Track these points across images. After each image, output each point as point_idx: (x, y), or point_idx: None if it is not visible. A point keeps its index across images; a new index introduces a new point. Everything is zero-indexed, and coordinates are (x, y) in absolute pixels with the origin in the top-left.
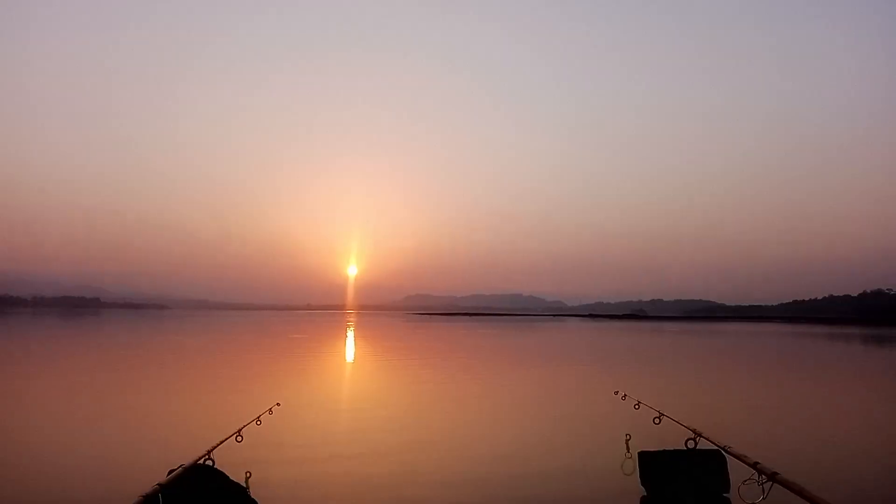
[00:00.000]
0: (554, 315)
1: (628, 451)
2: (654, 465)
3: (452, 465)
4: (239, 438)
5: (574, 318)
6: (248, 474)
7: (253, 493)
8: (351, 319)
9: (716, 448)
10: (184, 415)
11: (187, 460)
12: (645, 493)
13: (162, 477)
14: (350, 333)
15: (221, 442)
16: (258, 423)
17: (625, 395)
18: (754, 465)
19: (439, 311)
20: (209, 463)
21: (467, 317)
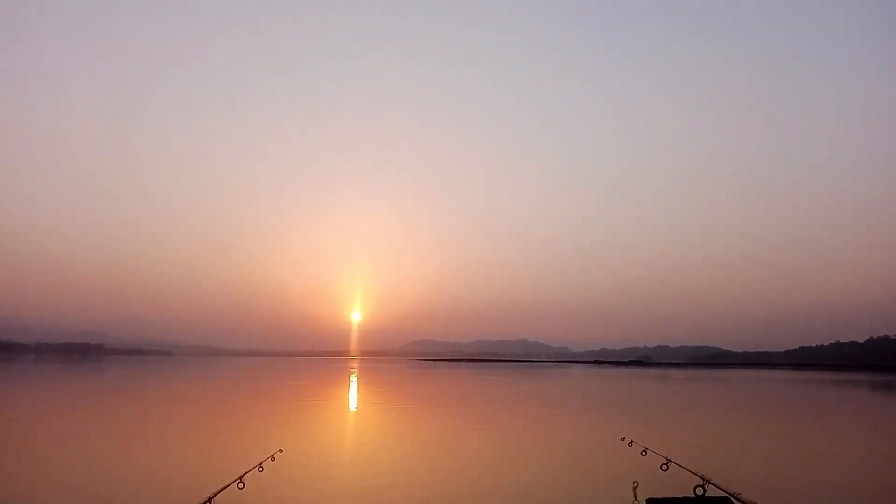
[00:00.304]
0: (559, 361)
1: (636, 499)
2: None
3: None
4: (241, 485)
5: (579, 364)
6: None
7: None
8: (354, 366)
9: (725, 495)
10: (185, 461)
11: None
12: None
13: None
14: (353, 380)
15: (222, 489)
16: (260, 469)
17: (631, 441)
18: None
19: (444, 357)
20: None
21: (472, 363)
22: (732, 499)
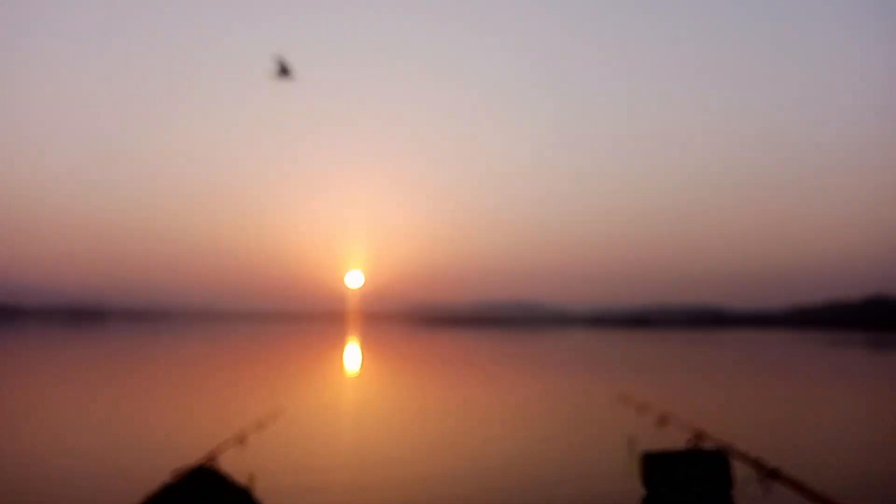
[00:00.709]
0: (559, 322)
1: (631, 453)
2: (656, 466)
3: (457, 471)
4: (242, 442)
5: (578, 324)
6: (251, 477)
7: (256, 496)
8: (354, 327)
9: (718, 447)
10: (188, 420)
11: (190, 462)
12: (646, 494)
13: (166, 478)
14: (353, 341)
15: (224, 444)
16: (261, 427)
17: (628, 397)
18: (755, 462)
19: (444, 319)
20: (212, 465)
21: (472, 324)
22: (725, 451)
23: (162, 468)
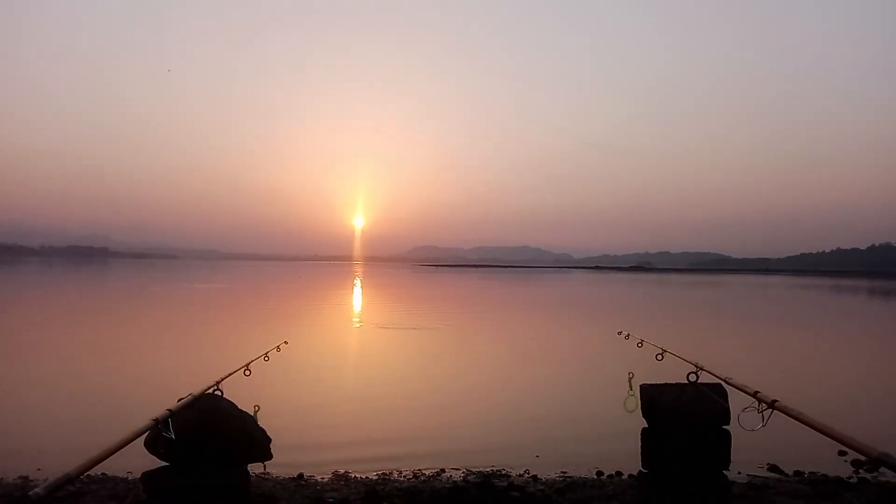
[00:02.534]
0: (560, 267)
1: (631, 388)
2: (655, 398)
3: (458, 405)
4: (247, 372)
5: (580, 270)
6: (256, 408)
7: (262, 425)
8: (358, 270)
9: (717, 381)
10: (193, 351)
11: (197, 390)
12: (647, 426)
13: (172, 404)
14: (357, 282)
15: (230, 374)
16: (266, 359)
17: (628, 334)
18: (754, 395)
19: (446, 263)
20: (218, 393)
21: (474, 268)
22: (724, 383)
23: (168, 394)
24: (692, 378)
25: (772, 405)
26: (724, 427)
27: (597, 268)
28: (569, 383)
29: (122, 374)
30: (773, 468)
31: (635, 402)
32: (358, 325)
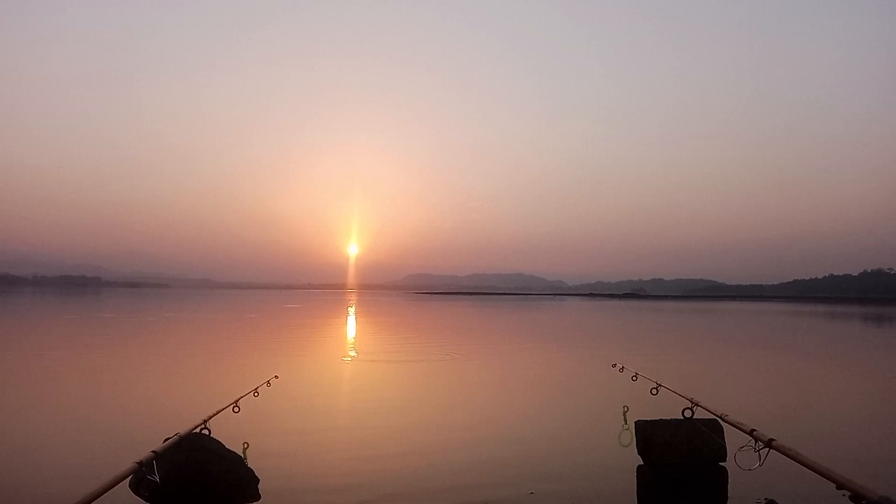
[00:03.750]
0: (554, 294)
1: (626, 423)
2: (650, 434)
3: (451, 441)
4: (236, 409)
5: (574, 297)
6: (245, 445)
7: (250, 464)
8: (352, 298)
9: (713, 417)
10: (181, 387)
11: (183, 429)
12: (642, 463)
13: (158, 444)
14: (351, 311)
15: (218, 412)
16: (255, 394)
17: (622, 367)
18: (751, 433)
19: (440, 291)
20: (205, 432)
21: (468, 296)
22: (720, 420)
23: (154, 434)
24: (687, 414)
25: (769, 444)
26: (720, 464)
27: (591, 295)
28: (562, 417)
29: (109, 410)
30: (770, 502)
31: (630, 436)
32: (350, 358)
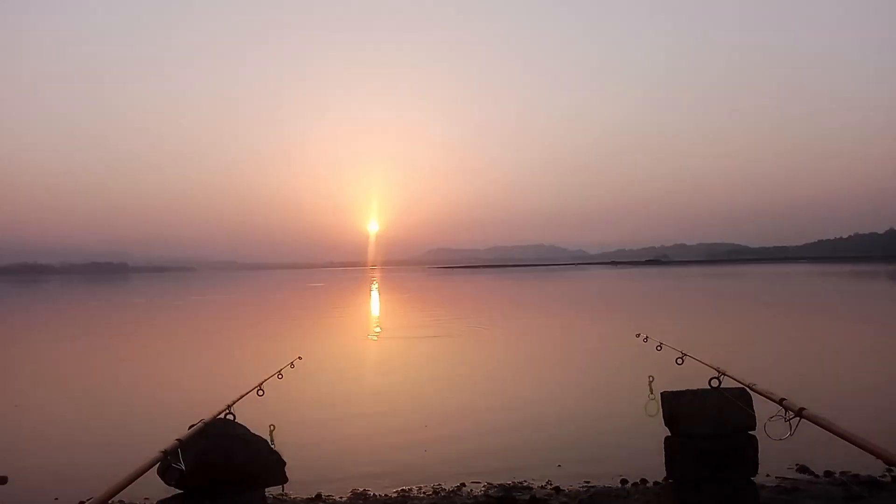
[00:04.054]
0: (576, 264)
1: (651, 393)
2: (677, 405)
3: (476, 416)
4: (260, 393)
5: (596, 266)
6: (272, 427)
7: (277, 447)
8: (374, 275)
9: (741, 386)
10: (206, 372)
11: (208, 415)
12: (669, 434)
13: (183, 431)
14: (374, 288)
15: (242, 396)
16: (280, 377)
17: (647, 337)
18: (780, 402)
19: (461, 265)
20: (230, 417)
21: (489, 269)
22: (748, 389)
23: (178, 420)
24: (714, 383)
25: (799, 413)
26: (750, 433)
27: (613, 263)
28: (588, 389)
29: (136, 396)
30: (802, 469)
31: (656, 406)
32: (375, 335)
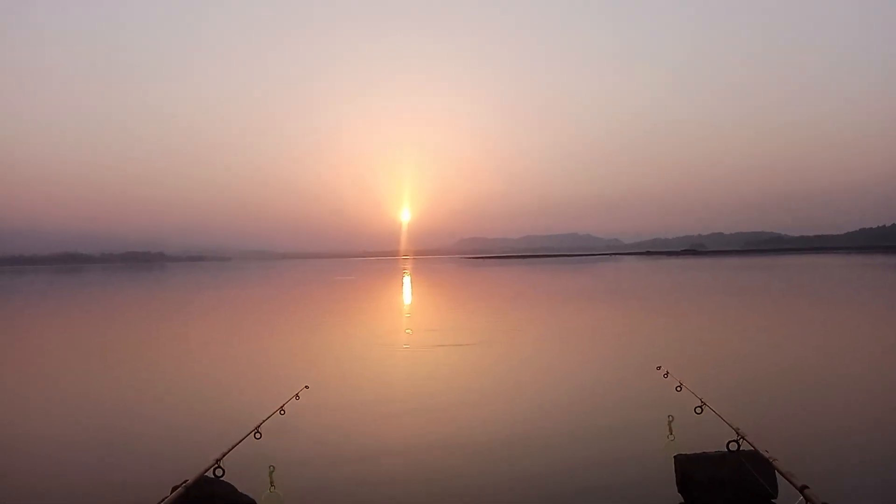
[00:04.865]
0: (610, 254)
1: (671, 434)
2: (691, 472)
3: (490, 452)
4: (258, 436)
5: (630, 256)
6: (271, 468)
7: (277, 488)
8: (406, 266)
9: (759, 451)
10: (197, 407)
11: (194, 472)
12: (682, 502)
13: (164, 493)
14: (406, 281)
15: (234, 446)
16: (282, 412)
17: (667, 372)
18: (802, 490)
19: (494, 255)
20: (218, 473)
21: (521, 259)
22: (771, 464)
23: (165, 476)
24: (733, 446)
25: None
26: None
27: (647, 253)
28: (603, 431)
29: (111, 449)
30: None
31: (676, 447)
32: (397, 344)
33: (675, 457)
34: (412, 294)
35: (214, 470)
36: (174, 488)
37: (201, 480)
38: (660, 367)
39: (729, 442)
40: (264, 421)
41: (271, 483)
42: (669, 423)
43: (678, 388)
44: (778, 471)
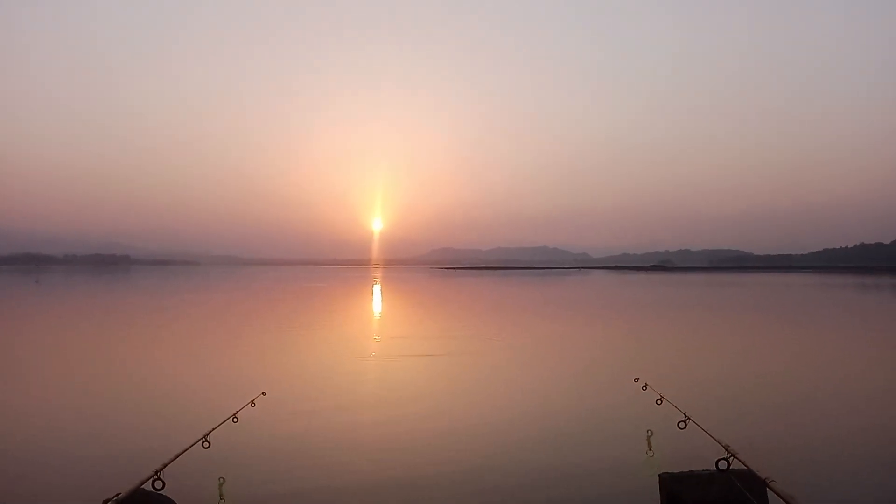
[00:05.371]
0: (579, 267)
1: (650, 450)
2: (679, 491)
3: (457, 467)
4: (206, 445)
5: (600, 270)
6: (221, 480)
7: (227, 502)
8: (377, 275)
9: (749, 469)
10: (144, 409)
11: (129, 482)
12: None
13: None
14: (376, 288)
15: (178, 455)
16: (235, 420)
17: (646, 384)
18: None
19: (464, 265)
20: (157, 485)
21: (491, 270)
22: (766, 484)
23: (100, 480)
24: (722, 465)
25: None
26: None
27: (616, 267)
28: (578, 443)
29: (46, 454)
30: None
31: (655, 464)
32: (362, 355)
33: (660, 475)
34: (382, 302)
35: (154, 482)
36: (105, 502)
37: (137, 493)
38: (637, 380)
39: (718, 460)
40: (214, 429)
41: (221, 496)
42: (648, 438)
43: (658, 402)
44: (775, 492)
